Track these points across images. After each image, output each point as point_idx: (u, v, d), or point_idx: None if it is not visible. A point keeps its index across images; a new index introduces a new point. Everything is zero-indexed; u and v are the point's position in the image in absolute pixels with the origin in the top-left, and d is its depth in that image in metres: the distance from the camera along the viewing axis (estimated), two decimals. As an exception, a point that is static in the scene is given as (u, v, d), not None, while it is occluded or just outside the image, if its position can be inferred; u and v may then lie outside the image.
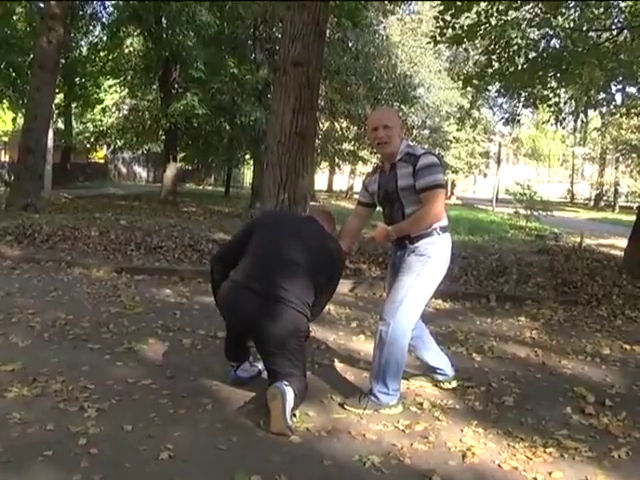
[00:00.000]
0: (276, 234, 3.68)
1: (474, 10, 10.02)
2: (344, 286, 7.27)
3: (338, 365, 4.48)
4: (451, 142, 36.28)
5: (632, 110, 15.52)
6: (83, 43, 23.91)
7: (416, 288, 3.57)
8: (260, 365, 3.88)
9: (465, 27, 9.99)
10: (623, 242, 10.25)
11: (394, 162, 3.67)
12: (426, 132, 34.03)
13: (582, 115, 36.23)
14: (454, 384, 4.09)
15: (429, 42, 11.00)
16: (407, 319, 3.58)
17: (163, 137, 20.85)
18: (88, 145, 26.58)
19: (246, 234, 3.78)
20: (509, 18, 10.15)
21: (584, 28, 10.54)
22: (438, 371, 4.07)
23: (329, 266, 3.66)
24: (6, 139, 32.38)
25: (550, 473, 2.94)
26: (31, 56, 16.96)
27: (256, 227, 3.80)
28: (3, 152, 33.20)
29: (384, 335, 3.58)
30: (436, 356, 4.07)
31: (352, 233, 4.11)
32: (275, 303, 3.41)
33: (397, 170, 3.64)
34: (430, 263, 3.60)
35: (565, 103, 14.08)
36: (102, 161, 37.03)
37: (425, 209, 3.56)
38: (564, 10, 10.56)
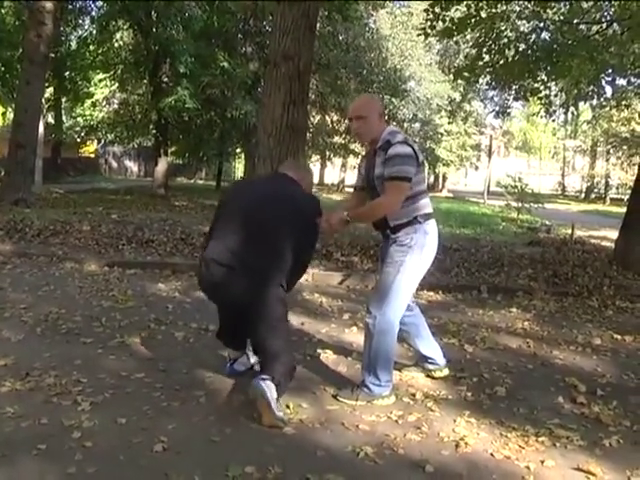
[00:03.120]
0: (238, 201, 3.65)
1: (464, 2, 10.03)
2: (336, 278, 7.30)
3: (331, 357, 4.49)
4: (442, 135, 36.31)
5: (622, 102, 15.57)
6: (73, 37, 23.76)
7: (400, 279, 3.54)
8: (253, 358, 3.88)
9: (455, 20, 10.00)
10: (614, 234, 10.31)
11: (376, 149, 3.63)
12: (417, 125, 34.08)
13: (572, 108, 36.24)
14: (446, 372, 4.10)
15: (419, 34, 11.00)
16: (393, 310, 3.57)
17: (154, 131, 20.78)
18: (78, 139, 26.49)
19: (216, 216, 3.76)
20: (499, 11, 10.16)
21: (574, 21, 10.55)
22: (429, 360, 4.08)
23: (296, 217, 3.53)
24: (-4, 134, 32.20)
25: (542, 462, 2.96)
26: (20, 50, 16.86)
27: (223, 204, 3.79)
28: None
29: (371, 327, 3.58)
30: (428, 344, 4.07)
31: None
32: (240, 271, 3.35)
33: (376, 157, 3.60)
34: (412, 253, 3.55)
35: (555, 96, 14.10)
36: (93, 155, 36.82)
37: (380, 199, 3.54)
38: (554, 3, 10.57)
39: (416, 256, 3.56)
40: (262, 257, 3.39)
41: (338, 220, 3.61)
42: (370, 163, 3.69)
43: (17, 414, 3.17)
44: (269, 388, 3.20)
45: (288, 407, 3.44)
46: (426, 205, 3.65)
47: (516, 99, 14.21)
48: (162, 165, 19.82)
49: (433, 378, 4.09)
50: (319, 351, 4.59)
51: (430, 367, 4.10)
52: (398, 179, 3.45)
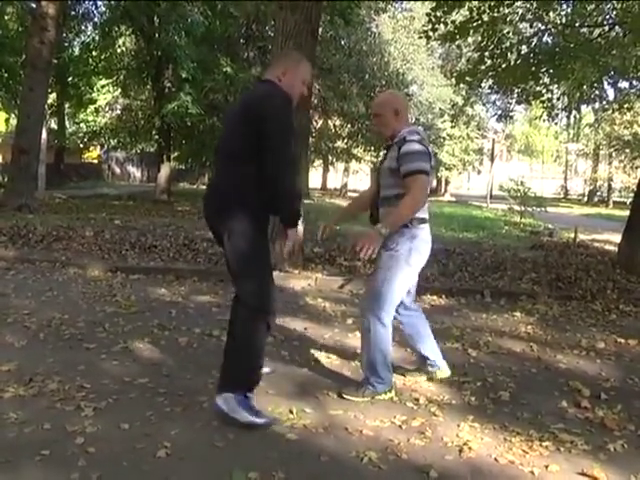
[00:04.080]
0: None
1: (466, 6, 10.03)
2: (339, 283, 7.29)
3: (334, 362, 4.48)
4: (445, 139, 36.35)
5: (624, 105, 15.53)
6: (75, 43, 23.86)
7: (387, 283, 3.62)
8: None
9: (457, 24, 10.01)
10: (617, 237, 10.28)
11: (392, 144, 3.72)
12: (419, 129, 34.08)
13: (575, 111, 36.31)
14: (447, 373, 4.09)
15: (420, 37, 11.01)
16: (384, 313, 3.64)
17: (156, 137, 20.83)
18: (81, 145, 26.53)
19: None
20: (501, 14, 10.16)
21: (576, 24, 10.56)
22: (429, 362, 4.07)
23: (244, 119, 3.22)
24: (-1, 140, 32.29)
25: (546, 466, 2.95)
26: (23, 56, 16.92)
27: None
28: (-4, 153, 33.09)
29: (365, 331, 3.71)
30: (429, 346, 4.07)
31: (358, 202, 4.36)
32: (212, 194, 3.53)
33: (390, 152, 3.71)
34: (398, 257, 3.60)
35: (558, 99, 14.11)
36: (96, 161, 36.94)
37: (407, 197, 3.54)
38: (556, 6, 10.58)
39: (402, 260, 3.61)
40: (223, 174, 3.44)
41: (376, 238, 3.48)
42: (384, 156, 3.85)
43: (20, 420, 3.17)
44: (226, 402, 3.24)
45: (291, 412, 3.43)
46: (420, 210, 3.66)
47: (518, 103, 14.26)
48: (165, 170, 19.86)
49: (437, 382, 4.07)
50: (322, 356, 4.58)
51: (430, 369, 4.09)
52: (418, 172, 3.51)
